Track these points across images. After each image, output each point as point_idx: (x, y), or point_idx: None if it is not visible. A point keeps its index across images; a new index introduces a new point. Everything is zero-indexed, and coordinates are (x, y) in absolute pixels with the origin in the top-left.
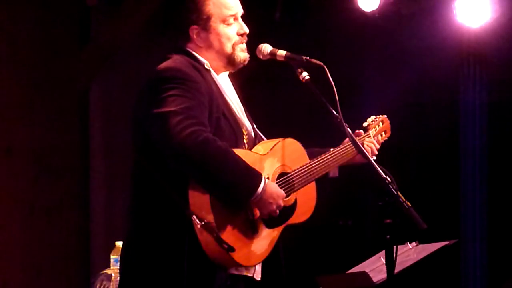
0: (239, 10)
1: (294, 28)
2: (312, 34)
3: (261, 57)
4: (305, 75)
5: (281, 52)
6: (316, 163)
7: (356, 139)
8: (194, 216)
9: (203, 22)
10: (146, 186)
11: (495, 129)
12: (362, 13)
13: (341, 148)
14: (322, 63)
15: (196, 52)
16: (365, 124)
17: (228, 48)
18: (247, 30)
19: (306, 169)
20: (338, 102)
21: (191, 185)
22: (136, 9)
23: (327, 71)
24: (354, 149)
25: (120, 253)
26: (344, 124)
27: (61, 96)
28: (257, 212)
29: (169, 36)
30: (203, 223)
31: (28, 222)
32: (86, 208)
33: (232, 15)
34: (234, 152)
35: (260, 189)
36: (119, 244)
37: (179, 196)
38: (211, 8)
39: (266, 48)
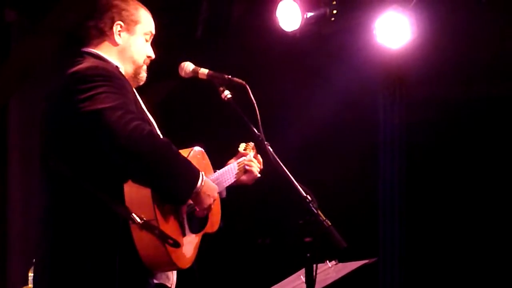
0: (153, 35)
1: (215, 46)
2: (233, 52)
3: (183, 75)
4: (227, 93)
5: (203, 71)
6: (220, 177)
7: (240, 159)
8: (133, 215)
9: (132, 23)
10: (68, 193)
11: (414, 149)
12: (284, 32)
13: (230, 169)
14: (244, 82)
15: (106, 56)
16: (241, 149)
17: (140, 60)
18: (153, 56)
19: (215, 180)
20: (259, 121)
21: (127, 184)
22: (56, 25)
23: (249, 90)
24: (240, 170)
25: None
26: (266, 143)
27: None
28: (185, 213)
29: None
30: (143, 221)
31: None
32: (4, 223)
33: (151, 35)
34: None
35: (200, 181)
36: None
37: (111, 197)
38: (140, 16)
39: (188, 66)
